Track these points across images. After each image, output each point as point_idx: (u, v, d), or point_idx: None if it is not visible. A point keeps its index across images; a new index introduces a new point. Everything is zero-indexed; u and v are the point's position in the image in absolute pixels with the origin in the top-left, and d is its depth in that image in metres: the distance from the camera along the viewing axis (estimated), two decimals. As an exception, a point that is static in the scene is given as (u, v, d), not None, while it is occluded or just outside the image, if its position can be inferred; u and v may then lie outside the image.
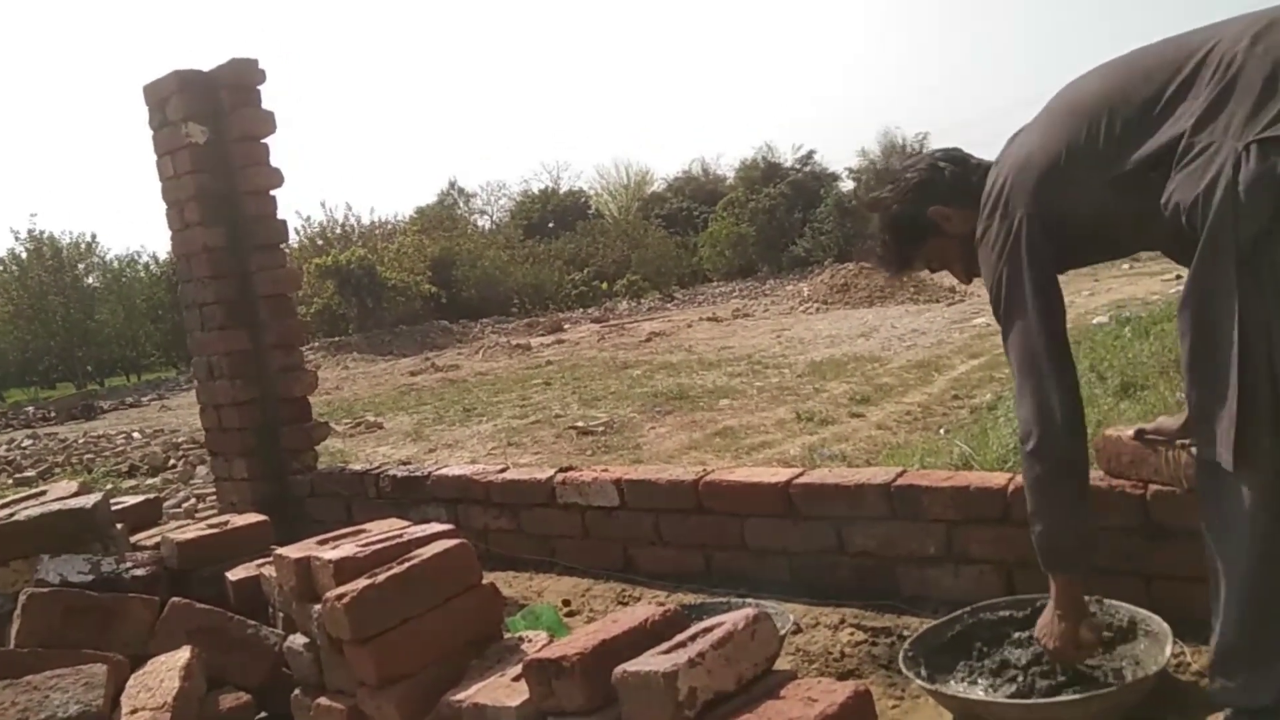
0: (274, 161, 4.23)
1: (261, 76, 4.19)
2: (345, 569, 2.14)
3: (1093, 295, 13.82)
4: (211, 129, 4.14)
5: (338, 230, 27.96)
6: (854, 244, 29.26)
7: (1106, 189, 1.82)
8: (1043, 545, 1.95)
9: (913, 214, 2.15)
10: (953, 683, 2.14)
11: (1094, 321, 9.99)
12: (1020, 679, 2.05)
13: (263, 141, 4.20)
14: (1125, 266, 17.29)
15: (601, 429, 7.66)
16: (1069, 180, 1.87)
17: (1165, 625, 2.04)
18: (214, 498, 5.12)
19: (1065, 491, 1.92)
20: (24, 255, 26.08)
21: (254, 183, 4.18)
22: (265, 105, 4.20)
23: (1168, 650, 1.98)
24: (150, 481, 7.61)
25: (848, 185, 32.97)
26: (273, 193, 4.25)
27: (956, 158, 2.17)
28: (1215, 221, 1.59)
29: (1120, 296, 12.75)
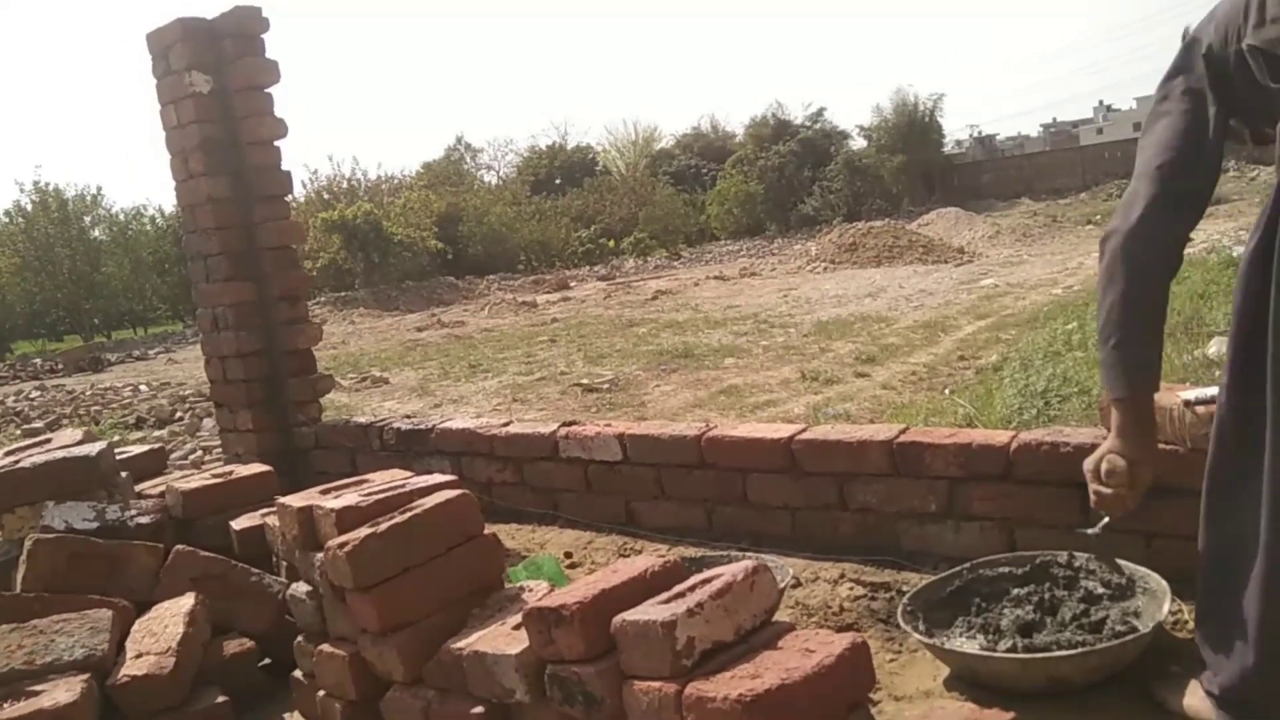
0: (279, 112, 4.19)
1: (265, 25, 4.14)
2: (347, 518, 2.15)
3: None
4: (215, 78, 4.10)
5: (344, 185, 27.82)
6: (863, 203, 29.10)
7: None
8: (1114, 356, 1.77)
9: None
10: (951, 637, 2.15)
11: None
12: (1017, 634, 2.06)
13: (267, 91, 4.16)
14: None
15: (606, 386, 7.67)
16: (1233, 30, 1.70)
17: (1164, 583, 2.04)
18: (220, 450, 5.15)
19: (1134, 289, 1.73)
20: (29, 207, 26.02)
21: (258, 133, 4.15)
22: (269, 54, 4.16)
23: (1165, 607, 1.98)
24: (157, 434, 7.64)
25: (858, 143, 32.67)
26: (277, 143, 4.22)
27: None
28: None
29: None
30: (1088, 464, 1.92)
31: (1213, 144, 1.73)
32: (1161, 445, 2.22)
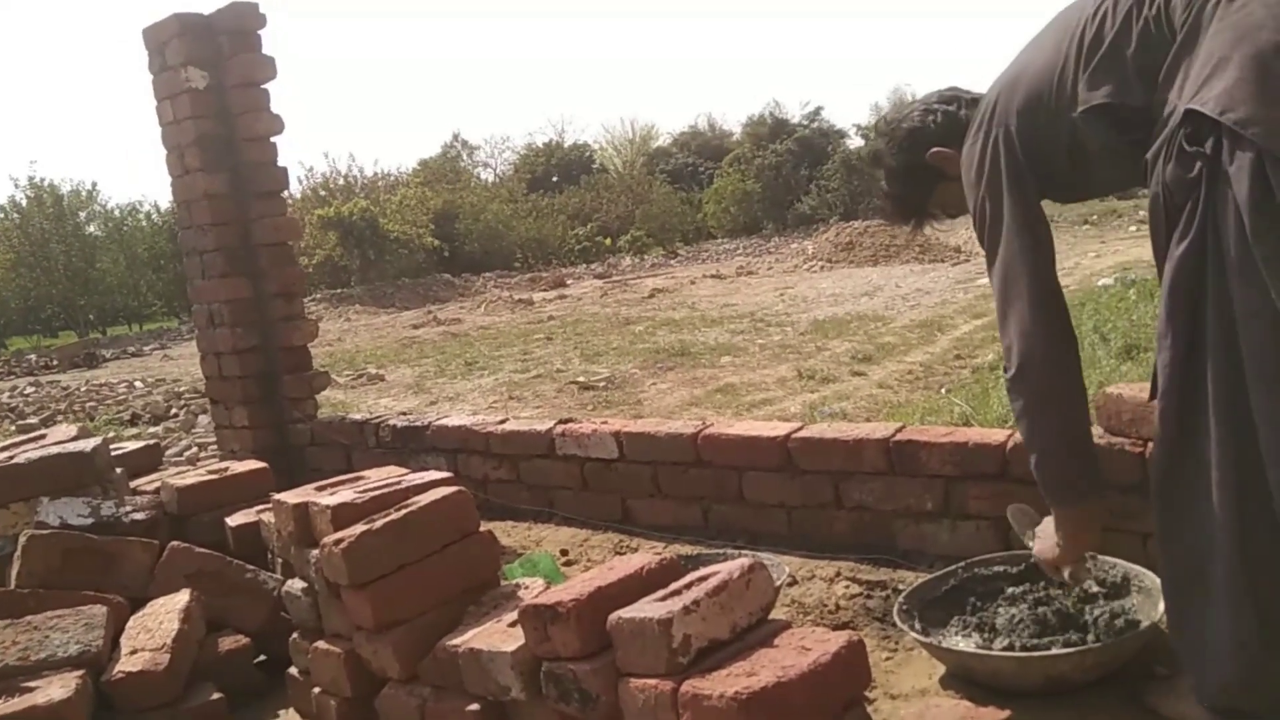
0: (275, 108, 4.19)
1: (262, 21, 4.13)
2: (343, 515, 2.15)
3: (1099, 257, 13.74)
4: (212, 74, 4.09)
5: (340, 181, 27.78)
6: (860, 202, 29.10)
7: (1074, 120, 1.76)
8: (1037, 477, 1.93)
9: (911, 162, 2.10)
10: (946, 636, 2.15)
11: (1099, 283, 9.94)
12: (1013, 633, 2.06)
13: (263, 87, 4.15)
14: (1133, 229, 17.18)
15: (603, 384, 7.66)
16: (1050, 101, 1.80)
17: (1159, 581, 2.04)
18: (215, 447, 5.14)
19: (1049, 422, 1.87)
20: (24, 203, 25.96)
21: (254, 129, 4.14)
22: (266, 50, 4.15)
23: (1161, 606, 1.98)
24: (152, 430, 7.63)
25: (856, 142, 32.70)
26: (273, 139, 4.21)
27: (949, 96, 2.09)
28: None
29: (1127, 259, 12.67)
30: (1035, 550, 2.11)
31: (1051, 253, 1.89)
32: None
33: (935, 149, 2.06)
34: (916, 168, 2.10)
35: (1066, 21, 1.83)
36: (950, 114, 2.06)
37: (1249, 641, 1.57)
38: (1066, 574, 2.04)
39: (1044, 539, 2.06)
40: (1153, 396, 1.73)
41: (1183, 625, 1.70)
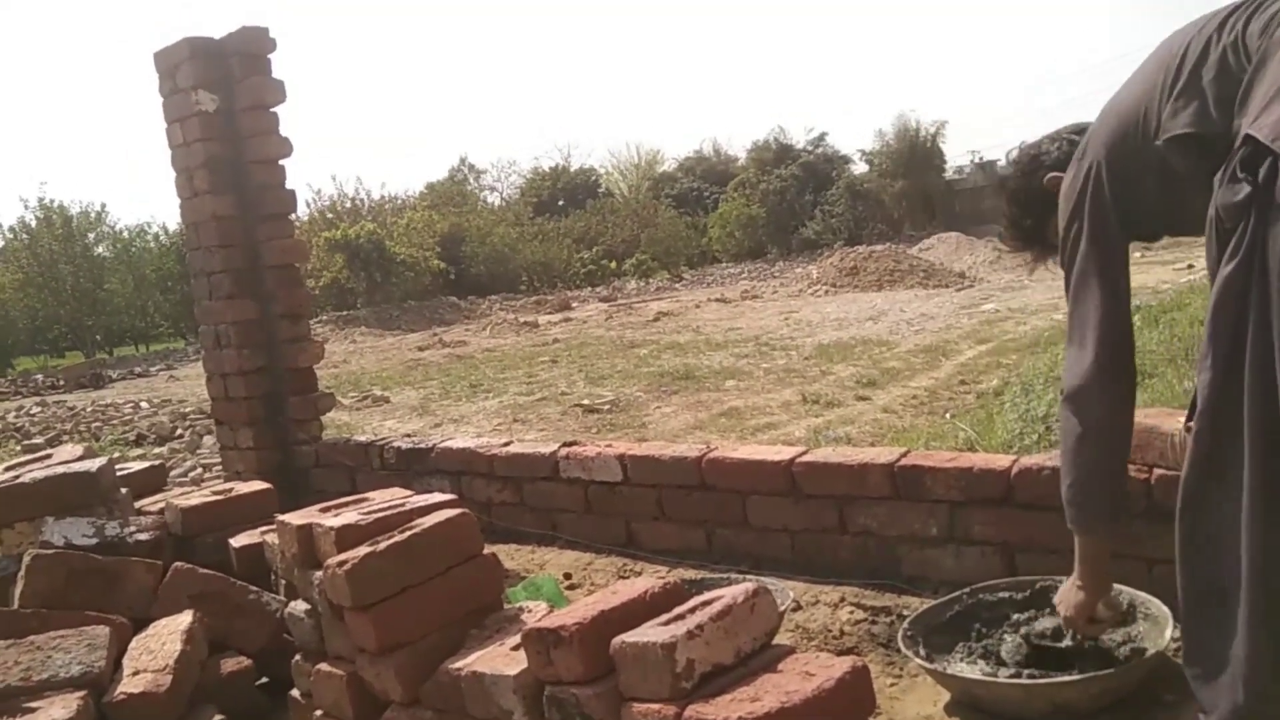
0: (284, 131, 4.22)
1: (272, 45, 4.17)
2: (347, 536, 2.14)
3: (1103, 283, 13.71)
4: (222, 97, 4.13)
5: (347, 204, 27.93)
6: (864, 227, 29.17)
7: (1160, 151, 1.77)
8: (1067, 500, 1.94)
9: (1028, 186, 2.11)
10: (951, 662, 2.14)
11: (1104, 309, 9.92)
12: (1019, 660, 2.05)
13: (272, 110, 4.18)
14: (1137, 255, 17.19)
15: (607, 407, 7.66)
16: (1138, 131, 1.81)
17: (1166, 609, 2.03)
18: (220, 467, 5.14)
19: (1090, 452, 1.90)
20: (34, 224, 26.12)
21: (263, 152, 4.17)
22: (275, 74, 4.19)
23: (1168, 634, 1.98)
24: (157, 450, 7.64)
25: (860, 168, 32.81)
26: (282, 162, 4.24)
27: (1080, 128, 2.09)
28: None
29: (1132, 285, 12.67)
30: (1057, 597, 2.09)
31: (1125, 289, 1.92)
32: (1162, 471, 2.22)
33: (1051, 175, 2.06)
34: (1033, 192, 2.10)
35: (1163, 51, 1.84)
36: (1074, 143, 2.05)
37: (1262, 669, 1.56)
38: (1100, 609, 2.00)
39: (1062, 591, 2.05)
40: (1190, 418, 1.74)
41: (1196, 647, 1.69)
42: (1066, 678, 1.92)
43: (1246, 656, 1.57)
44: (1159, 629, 2.01)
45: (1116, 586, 2.16)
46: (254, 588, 2.79)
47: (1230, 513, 1.58)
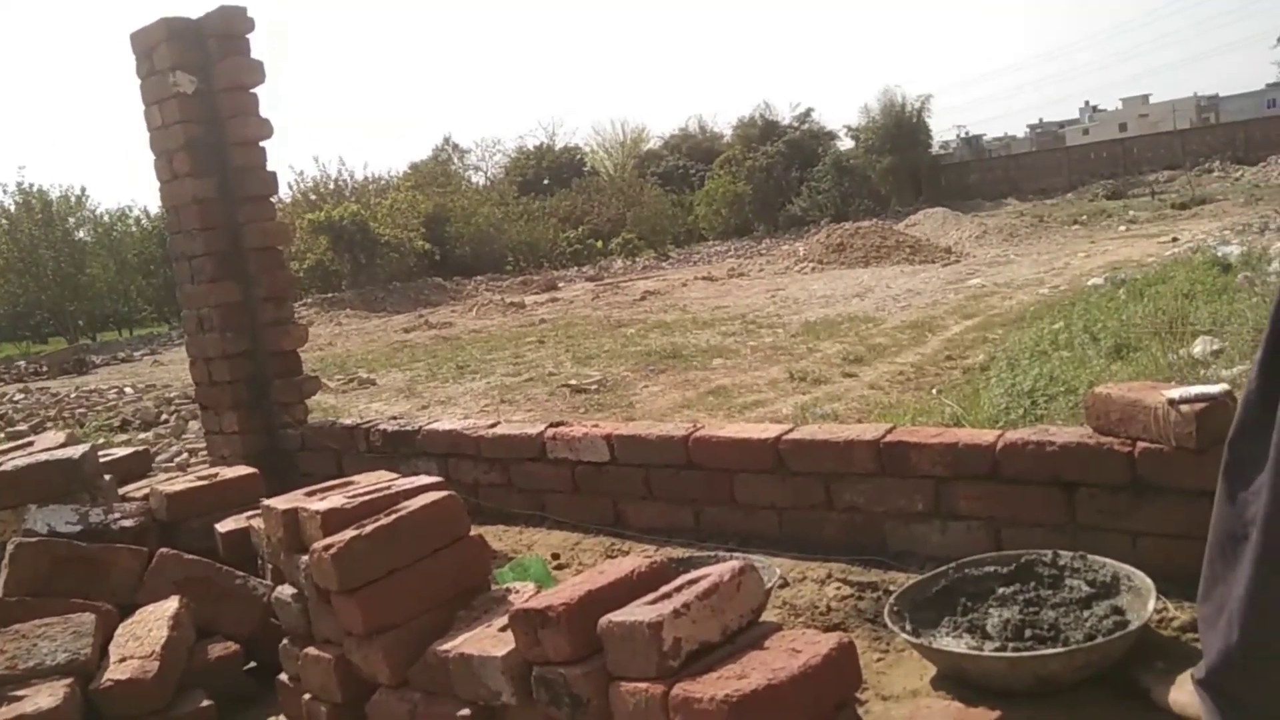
0: (264, 112, 4.18)
1: (250, 25, 4.12)
2: (333, 520, 2.14)
3: (1089, 257, 13.79)
4: (200, 78, 4.08)
5: (331, 186, 27.75)
6: (850, 204, 29.17)
7: None
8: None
9: None
10: (937, 637, 2.15)
11: (1089, 283, 9.97)
12: (1004, 632, 2.06)
13: (252, 91, 4.14)
14: (1122, 229, 17.24)
15: (595, 387, 7.66)
16: None
17: (1149, 580, 2.05)
18: (205, 452, 5.12)
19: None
20: (13, 209, 25.87)
21: (243, 133, 4.13)
22: (254, 54, 4.14)
23: (1150, 605, 1.99)
24: (142, 436, 7.60)
25: (846, 144, 32.77)
26: (262, 144, 4.20)
27: None
28: None
29: (1116, 258, 12.72)
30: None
31: None
32: (1145, 444, 2.24)
33: None
34: None
35: None
36: None
37: (1256, 610, 1.59)
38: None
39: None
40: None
41: (1210, 587, 1.71)
42: (1051, 650, 1.93)
43: (1245, 598, 1.60)
44: (1142, 601, 2.02)
45: (1100, 559, 2.17)
46: (240, 573, 2.79)
47: (1265, 464, 1.60)
